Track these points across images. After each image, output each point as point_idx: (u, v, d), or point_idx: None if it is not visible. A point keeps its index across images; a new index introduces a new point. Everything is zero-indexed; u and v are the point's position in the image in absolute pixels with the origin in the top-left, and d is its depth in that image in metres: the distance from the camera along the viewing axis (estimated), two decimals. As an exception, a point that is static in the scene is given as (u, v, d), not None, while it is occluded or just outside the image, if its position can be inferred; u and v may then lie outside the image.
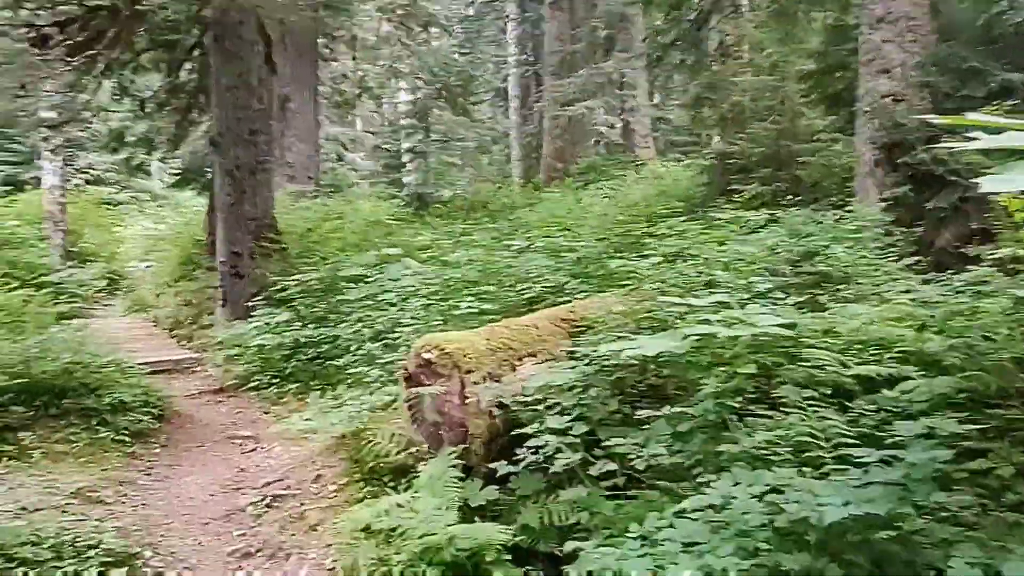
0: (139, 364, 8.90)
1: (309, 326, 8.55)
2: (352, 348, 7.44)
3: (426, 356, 5.08)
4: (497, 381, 5.05)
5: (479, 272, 8.14)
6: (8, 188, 17.07)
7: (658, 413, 4.03)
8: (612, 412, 4.44)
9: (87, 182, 29.25)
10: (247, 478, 5.78)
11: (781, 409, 4.16)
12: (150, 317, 12.74)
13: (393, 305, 7.76)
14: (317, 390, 7.62)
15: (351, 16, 16.38)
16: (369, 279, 9.00)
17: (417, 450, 5.23)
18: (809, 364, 4.40)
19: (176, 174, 15.97)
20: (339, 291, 8.99)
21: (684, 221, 9.23)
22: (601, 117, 24.37)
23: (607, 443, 4.14)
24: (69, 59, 11.24)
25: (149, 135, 13.22)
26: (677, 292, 5.46)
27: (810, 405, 4.07)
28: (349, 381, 6.94)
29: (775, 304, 4.95)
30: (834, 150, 11.54)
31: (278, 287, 10.61)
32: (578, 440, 4.15)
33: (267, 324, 8.70)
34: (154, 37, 11.62)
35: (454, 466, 4.69)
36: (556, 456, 4.10)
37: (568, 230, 12.86)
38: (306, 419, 5.95)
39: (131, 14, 10.92)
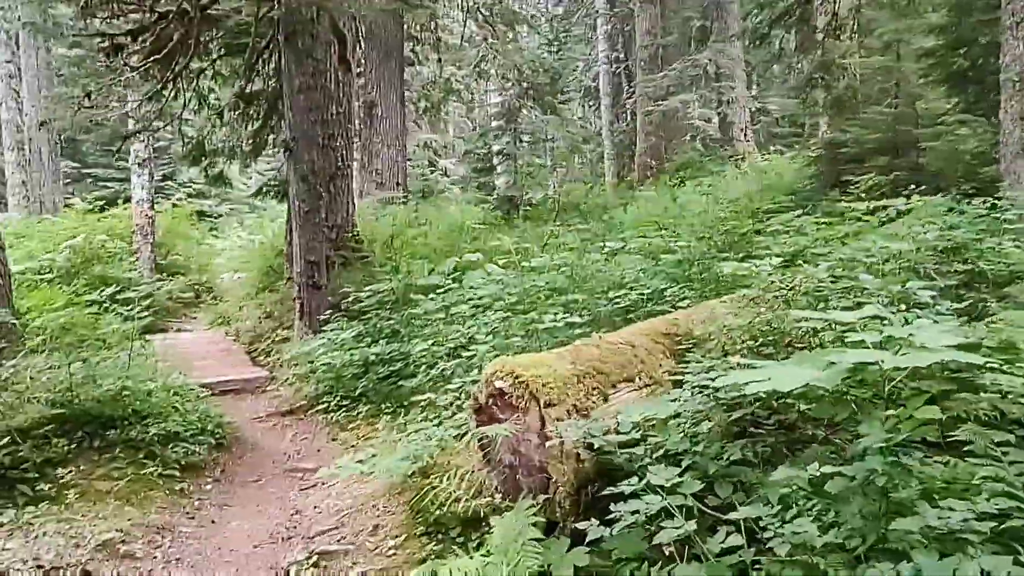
0: (207, 384, 8.28)
1: (381, 341, 7.73)
2: (424, 367, 6.57)
3: (498, 384, 4.13)
4: (585, 415, 4.06)
5: (567, 278, 7.16)
6: (104, 204, 16.99)
7: (797, 472, 2.95)
8: (733, 462, 3.39)
9: (188, 196, 29.58)
10: (300, 524, 4.94)
11: (964, 458, 3.08)
12: (231, 331, 12.23)
13: (470, 318, 6.87)
14: (388, 413, 6.79)
15: (431, 10, 15.60)
16: (444, 288, 8.15)
17: (491, 497, 4.29)
18: (993, 393, 3.29)
19: (271, 185, 15.52)
20: (413, 303, 8.16)
21: (798, 216, 8.06)
22: (697, 111, 23.02)
23: (730, 506, 3.10)
24: (143, 68, 10.80)
25: (228, 144, 12.74)
26: (805, 303, 4.35)
27: (1004, 453, 2.98)
28: (422, 404, 6.08)
29: (938, 316, 3.80)
30: (960, 134, 10.14)
31: (352, 299, 9.91)
32: (691, 503, 3.12)
33: (337, 339, 7.93)
34: (227, 42, 11.07)
35: (534, 523, 3.74)
36: (662, 521, 3.09)
37: (665, 230, 11.79)
38: (370, 455, 5.07)
39: (201, 18, 10.38)
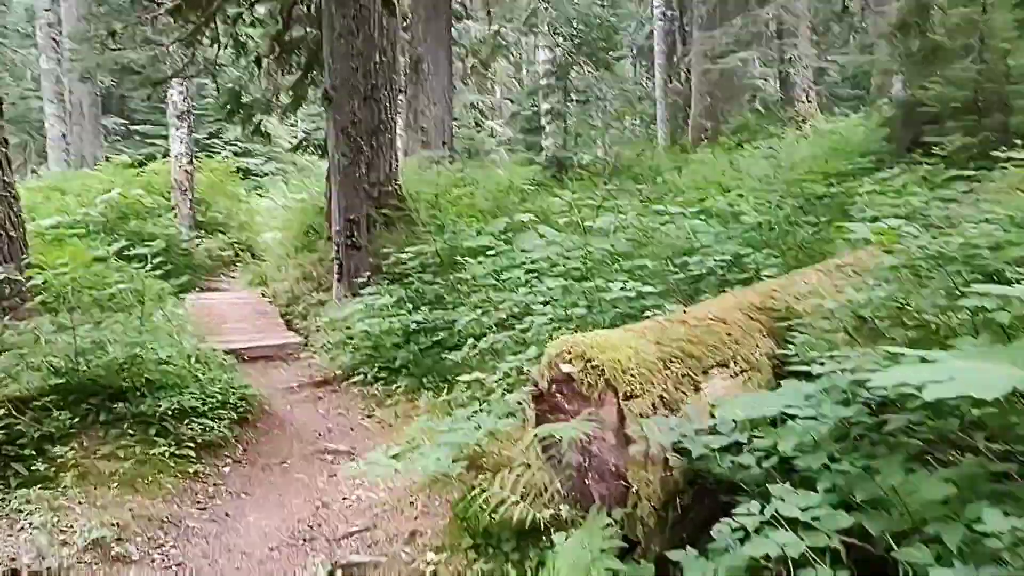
0: (236, 349, 7.58)
1: (423, 308, 6.94)
2: (471, 339, 5.77)
3: (565, 369, 3.30)
4: (673, 409, 3.23)
5: (630, 242, 6.28)
6: (145, 159, 16.38)
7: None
8: (891, 486, 2.51)
9: (235, 154, 29.04)
10: (326, 521, 4.18)
11: None
12: (268, 291, 11.55)
13: (523, 285, 6.03)
14: (430, 389, 6.01)
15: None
16: (495, 251, 7.32)
17: (553, 502, 3.48)
18: None
19: (311, 140, 14.69)
20: (459, 266, 7.35)
21: (888, 179, 7.08)
22: (757, 70, 21.73)
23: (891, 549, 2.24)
24: (175, 7, 10.03)
25: (267, 95, 11.97)
26: (943, 277, 3.41)
27: None
28: (467, 380, 5.28)
29: None
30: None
31: (393, 260, 9.16)
32: (837, 543, 2.27)
33: (376, 304, 7.16)
34: (264, -18, 10.26)
35: (610, 545, 2.95)
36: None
37: (728, 192, 10.84)
38: (408, 442, 4.29)
39: (237, -45, 9.58)
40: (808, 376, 2.96)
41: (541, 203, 12.25)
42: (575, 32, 18.27)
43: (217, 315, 9.52)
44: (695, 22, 23.89)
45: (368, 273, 9.89)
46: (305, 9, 11.16)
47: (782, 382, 3.15)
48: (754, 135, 18.91)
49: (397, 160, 11.89)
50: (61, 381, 5.10)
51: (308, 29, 11.71)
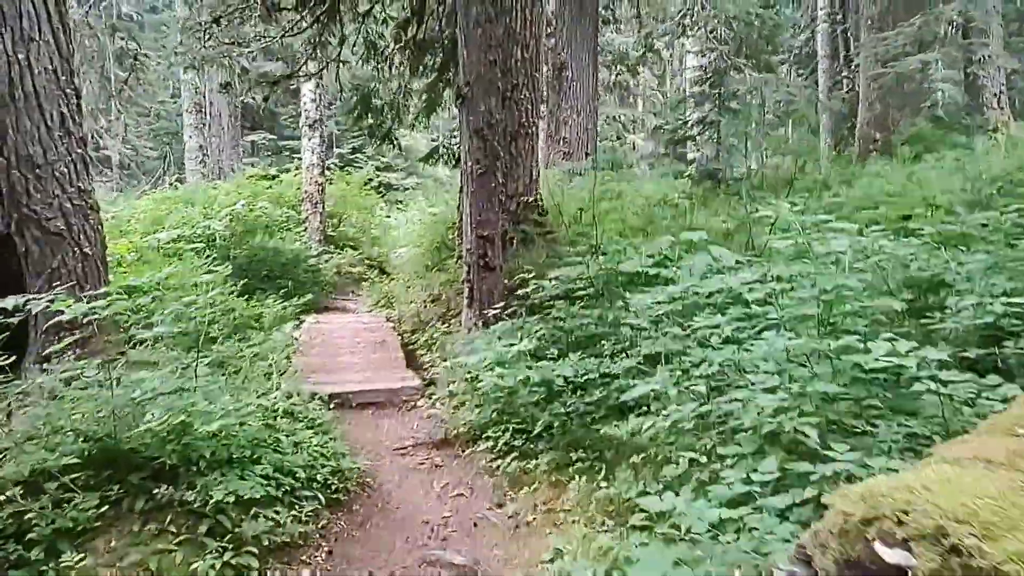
0: (344, 393, 6.14)
1: (572, 354, 5.26)
2: (642, 403, 4.04)
3: (890, 557, 1.52)
4: None
5: (875, 274, 4.39)
6: (279, 172, 15.55)
7: None
8: None
9: (376, 169, 28.45)
10: None
11: None
12: (393, 314, 10.19)
13: (710, 328, 4.24)
14: (582, 469, 4.31)
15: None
16: (660, 279, 5.59)
17: None
18: None
19: (444, 148, 13.30)
20: (616, 297, 5.64)
21: None
22: (940, 73, 18.99)
23: None
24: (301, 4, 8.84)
25: (398, 98, 10.68)
26: None
27: None
28: (636, 460, 3.58)
29: None
30: None
31: (533, 287, 7.59)
32: None
33: (510, 349, 5.54)
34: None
35: None
36: None
37: (936, 207, 8.66)
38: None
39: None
40: None
41: (699, 219, 10.42)
42: (734, 33, 16.22)
43: (331, 345, 8.18)
44: (863, 23, 21.39)
45: (502, 299, 8.34)
46: (439, 3, 9.77)
47: None
48: (934, 146, 16.35)
49: (538, 169, 10.30)
50: (92, 451, 3.72)
51: (443, 26, 10.31)
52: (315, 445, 4.53)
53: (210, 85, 16.49)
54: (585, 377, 4.86)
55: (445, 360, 7.60)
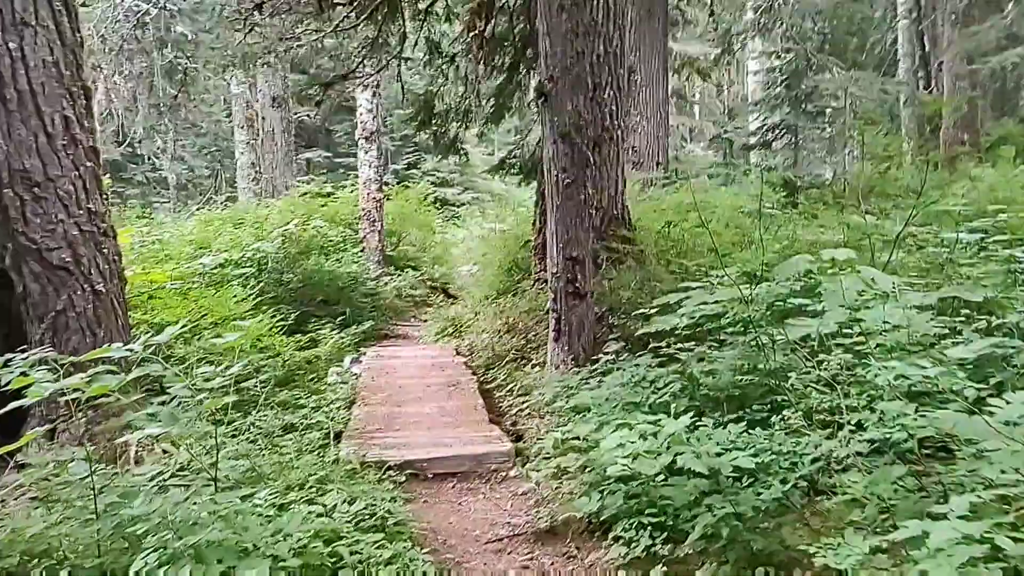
0: (417, 462, 4.81)
1: (710, 412, 3.86)
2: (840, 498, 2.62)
3: None
4: None
5: None
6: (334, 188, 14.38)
7: None
8: None
9: (432, 184, 27.40)
10: None
11: None
12: (463, 346, 8.86)
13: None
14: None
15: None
16: (808, 311, 4.19)
17: None
18: None
19: (513, 159, 11.80)
20: (770, 335, 4.22)
21: None
22: (1040, 67, 17.11)
23: None
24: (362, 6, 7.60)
25: (465, 102, 9.38)
26: None
27: None
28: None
29: None
30: None
31: (637, 317, 6.25)
32: None
33: (630, 405, 4.15)
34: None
35: None
36: None
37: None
38: None
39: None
40: None
41: (801, 233, 8.94)
42: (817, 29, 14.64)
43: (396, 388, 6.85)
44: (947, 19, 19.59)
45: (597, 333, 6.94)
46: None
47: None
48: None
49: (624, 179, 8.91)
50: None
51: (514, 20, 9.00)
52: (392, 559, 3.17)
53: (262, 100, 15.43)
54: (752, 454, 3.44)
55: (530, 406, 6.24)
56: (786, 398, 3.84)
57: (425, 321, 11.40)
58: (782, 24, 14.79)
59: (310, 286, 10.40)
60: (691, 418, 3.57)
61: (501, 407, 6.63)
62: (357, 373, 7.92)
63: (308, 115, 27.48)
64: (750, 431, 3.61)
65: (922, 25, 21.96)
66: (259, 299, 8.56)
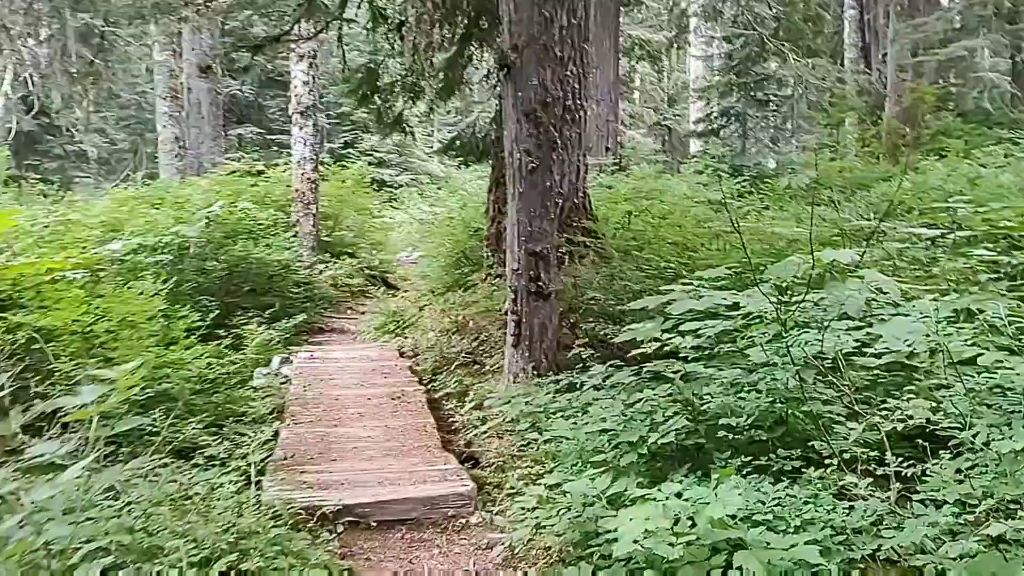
0: (360, 507, 3.88)
1: (721, 454, 3.06)
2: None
3: None
4: None
5: None
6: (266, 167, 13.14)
7: None
8: None
9: (370, 164, 26.14)
10: None
11: None
12: (407, 346, 7.90)
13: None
14: None
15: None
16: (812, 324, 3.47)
17: None
18: None
19: (464, 139, 10.65)
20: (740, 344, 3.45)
21: None
22: (988, 61, 16.86)
23: None
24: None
25: (411, 76, 8.37)
26: None
27: None
28: None
29: None
30: None
31: (606, 320, 5.49)
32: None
33: (616, 447, 3.32)
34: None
35: None
36: None
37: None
38: None
39: None
40: None
41: (769, 225, 8.24)
42: (774, 14, 13.99)
43: (331, 400, 5.84)
44: (892, 11, 19.28)
45: (561, 340, 6.09)
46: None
47: None
48: (978, 140, 14.29)
49: (586, 165, 8.06)
50: None
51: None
52: None
53: (188, 69, 14.06)
54: (771, 509, 2.64)
55: (487, 422, 5.36)
56: (823, 441, 3.05)
57: (363, 313, 10.39)
58: (736, 7, 14.10)
59: (237, 275, 9.31)
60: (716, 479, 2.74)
61: (453, 423, 5.73)
62: (287, 376, 6.92)
63: (240, 89, 25.88)
64: (791, 494, 2.80)
65: (867, 16, 21.65)
66: (176, 291, 7.47)
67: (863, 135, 20.24)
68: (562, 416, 4.46)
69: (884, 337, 3.56)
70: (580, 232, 7.55)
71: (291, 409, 5.48)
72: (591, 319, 6.22)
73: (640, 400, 3.95)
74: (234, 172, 12.42)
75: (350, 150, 28.12)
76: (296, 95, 11.10)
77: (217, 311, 8.17)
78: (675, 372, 3.96)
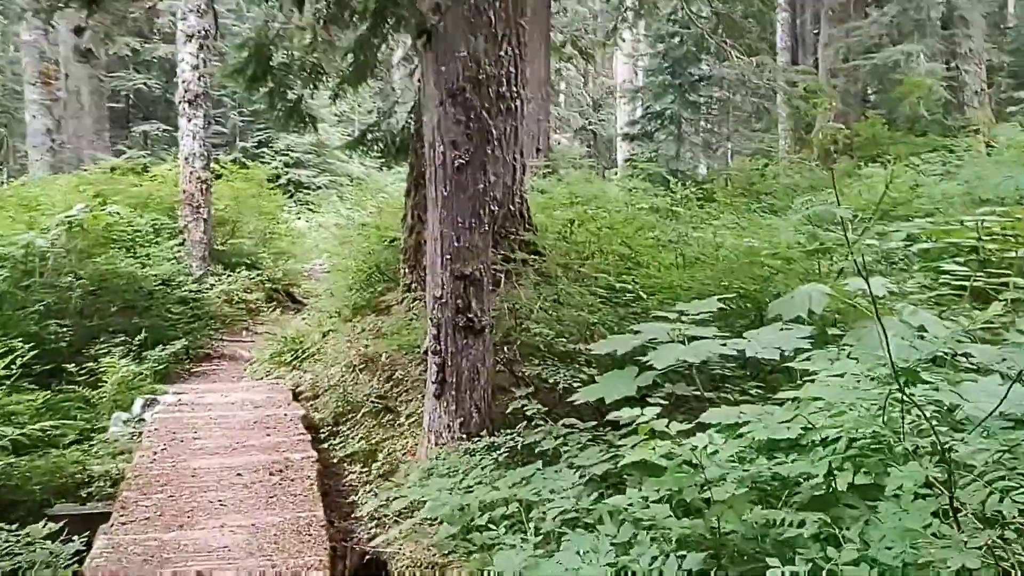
0: None
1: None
2: None
3: None
4: None
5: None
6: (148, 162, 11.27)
7: None
8: None
9: (285, 165, 24.18)
10: None
11: None
12: (304, 385, 6.32)
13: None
14: None
15: None
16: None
17: None
18: None
19: (375, 133, 8.91)
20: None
21: None
22: (924, 67, 16.16)
23: None
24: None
25: (312, 58, 6.80)
26: None
27: None
28: None
29: None
30: None
31: (554, 363, 4.20)
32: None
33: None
34: None
35: None
36: None
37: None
38: None
39: None
40: None
41: (728, 236, 7.02)
42: (712, 10, 12.88)
43: (184, 479, 4.22)
44: (824, 15, 18.60)
45: (491, 387, 4.64)
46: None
47: None
48: (912, 148, 13.54)
49: (523, 163, 6.64)
50: None
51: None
52: None
53: (64, 51, 12.06)
54: None
55: (402, 507, 3.86)
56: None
57: (261, 334, 8.73)
58: (650, 18, 12.97)
59: (103, 293, 7.57)
60: None
61: (354, 502, 4.21)
62: (146, 426, 5.28)
63: (145, 83, 23.61)
64: None
65: (798, 20, 20.94)
66: (8, 317, 5.77)
67: (796, 139, 19.50)
68: (503, 517, 3.04)
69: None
70: (518, 246, 6.13)
71: (124, 496, 3.85)
72: (532, 356, 4.81)
73: (622, 506, 2.55)
74: (115, 169, 10.55)
75: (264, 149, 26.02)
76: (184, 81, 9.37)
77: (69, 340, 6.50)
78: (664, 456, 2.58)
